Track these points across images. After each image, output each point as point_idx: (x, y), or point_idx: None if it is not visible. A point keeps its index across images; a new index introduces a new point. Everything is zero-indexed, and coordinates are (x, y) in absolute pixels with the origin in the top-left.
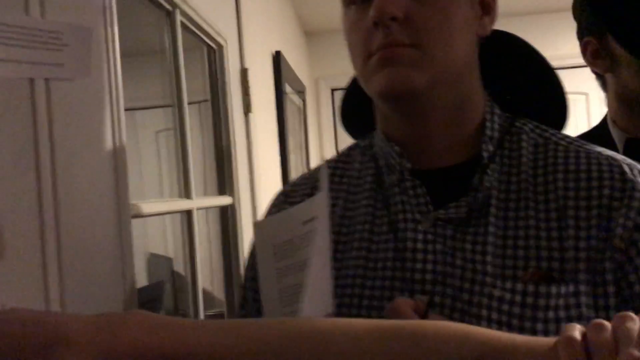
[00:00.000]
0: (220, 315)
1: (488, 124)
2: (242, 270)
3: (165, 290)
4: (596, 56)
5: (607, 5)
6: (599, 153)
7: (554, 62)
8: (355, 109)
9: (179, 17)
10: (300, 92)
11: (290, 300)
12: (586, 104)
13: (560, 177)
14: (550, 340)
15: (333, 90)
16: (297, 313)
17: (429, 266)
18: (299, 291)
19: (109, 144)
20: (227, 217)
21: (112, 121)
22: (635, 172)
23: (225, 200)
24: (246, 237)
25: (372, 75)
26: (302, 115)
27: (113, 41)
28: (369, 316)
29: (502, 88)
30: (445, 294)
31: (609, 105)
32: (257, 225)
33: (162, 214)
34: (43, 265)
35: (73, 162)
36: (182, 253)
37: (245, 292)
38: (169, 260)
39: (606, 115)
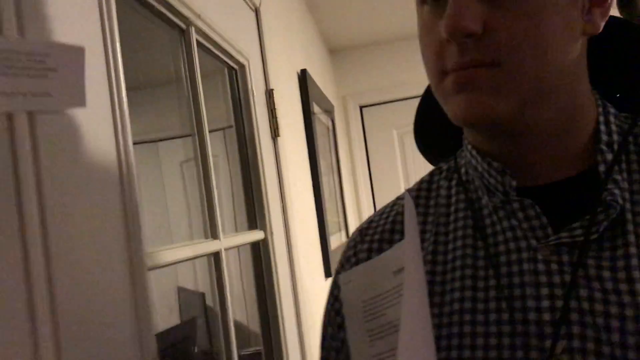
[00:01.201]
0: (257, 354)
1: (602, 128)
2: (279, 306)
3: (198, 327)
4: None
5: None
6: None
7: None
8: (431, 128)
9: (194, 35)
10: (329, 112)
11: None
12: None
13: None
14: None
15: (362, 107)
16: None
17: (559, 302)
18: (394, 356)
19: (115, 186)
20: (259, 253)
21: (119, 159)
22: None
23: (257, 235)
24: (281, 271)
25: (448, 99)
26: (331, 135)
27: (115, 62)
28: None
29: (612, 84)
30: (586, 335)
31: None
32: (344, 279)
33: (185, 260)
34: (35, 341)
35: (69, 215)
36: (212, 290)
37: (327, 353)
38: (200, 295)
39: None
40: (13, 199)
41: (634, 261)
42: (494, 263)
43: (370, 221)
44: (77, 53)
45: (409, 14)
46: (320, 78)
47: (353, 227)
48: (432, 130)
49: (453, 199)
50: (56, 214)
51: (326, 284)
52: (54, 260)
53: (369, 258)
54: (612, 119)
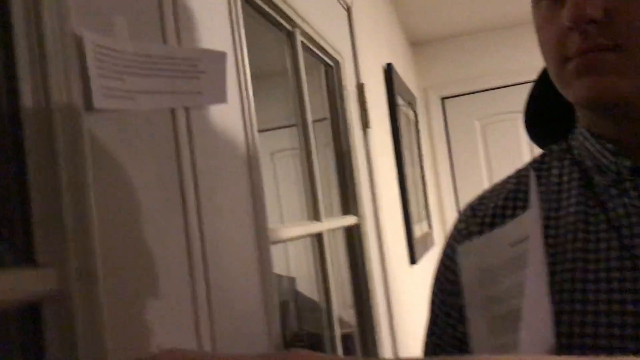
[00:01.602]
0: (349, 336)
1: None
2: (373, 286)
3: (290, 310)
4: None
5: None
6: None
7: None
8: (541, 113)
9: (299, 37)
10: (411, 104)
11: (502, 331)
12: None
13: None
14: None
15: (443, 99)
16: (513, 346)
17: None
18: (512, 320)
19: (245, 169)
20: (353, 237)
21: (247, 145)
22: None
23: (351, 220)
24: (372, 256)
25: (571, 82)
26: (414, 127)
27: (243, 64)
28: (595, 344)
29: None
30: None
31: None
32: (462, 251)
33: (297, 238)
34: (193, 301)
35: (215, 192)
36: (307, 273)
37: (436, 315)
38: (291, 280)
39: None
40: (177, 178)
41: None
42: (617, 232)
43: (482, 198)
44: (221, 57)
45: (490, 5)
46: (403, 70)
47: (435, 217)
48: (543, 115)
49: (565, 178)
50: (206, 194)
51: (411, 271)
52: (206, 231)
53: (481, 232)
54: None
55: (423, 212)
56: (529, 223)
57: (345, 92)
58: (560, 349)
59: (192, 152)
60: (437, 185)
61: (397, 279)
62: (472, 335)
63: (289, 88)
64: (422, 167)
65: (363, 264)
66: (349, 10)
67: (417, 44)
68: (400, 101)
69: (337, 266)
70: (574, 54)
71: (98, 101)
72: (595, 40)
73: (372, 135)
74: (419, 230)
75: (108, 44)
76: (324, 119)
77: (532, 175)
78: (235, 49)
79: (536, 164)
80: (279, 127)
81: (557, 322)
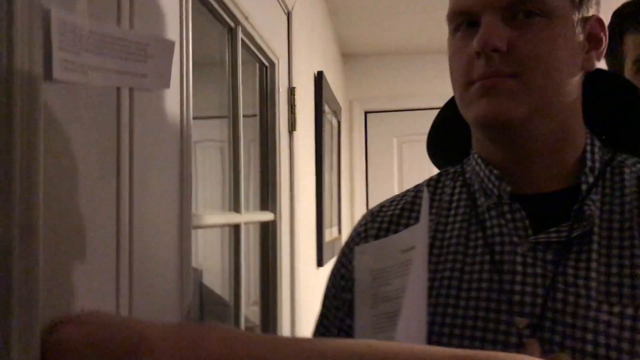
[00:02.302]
0: (251, 329)
1: (588, 155)
2: (280, 284)
3: (194, 303)
4: None
5: None
6: None
7: None
8: (444, 136)
9: (240, 34)
10: (336, 113)
11: (382, 327)
12: None
13: None
14: None
15: (366, 112)
16: (390, 340)
17: (528, 288)
18: (392, 318)
19: (178, 153)
20: (267, 233)
21: (182, 131)
22: None
23: (268, 216)
24: (284, 252)
25: (472, 103)
26: (336, 135)
27: (187, 53)
28: (462, 335)
29: (601, 125)
30: (545, 316)
31: None
32: (358, 251)
33: (216, 226)
34: (117, 269)
35: (147, 170)
36: (214, 266)
37: (327, 309)
38: (198, 272)
39: None
40: (114, 150)
41: (593, 264)
42: (490, 249)
43: (382, 206)
44: (169, 45)
45: (423, 31)
46: (333, 80)
47: (345, 224)
48: (444, 140)
49: (455, 197)
50: (139, 170)
51: (317, 273)
52: (135, 205)
53: (377, 236)
54: (597, 149)
55: (335, 218)
56: (417, 233)
57: (277, 94)
58: (431, 344)
59: (131, 130)
60: (351, 194)
61: (304, 279)
62: (356, 330)
63: (224, 80)
64: (339, 175)
65: (274, 261)
66: (289, 15)
67: (349, 56)
68: (326, 109)
69: (248, 261)
70: (478, 78)
71: (57, 72)
72: (497, 67)
73: (298, 138)
74: (329, 234)
75: (70, 20)
76: (254, 115)
77: (425, 191)
78: (182, 38)
79: (433, 182)
80: (209, 117)
81: (432, 323)
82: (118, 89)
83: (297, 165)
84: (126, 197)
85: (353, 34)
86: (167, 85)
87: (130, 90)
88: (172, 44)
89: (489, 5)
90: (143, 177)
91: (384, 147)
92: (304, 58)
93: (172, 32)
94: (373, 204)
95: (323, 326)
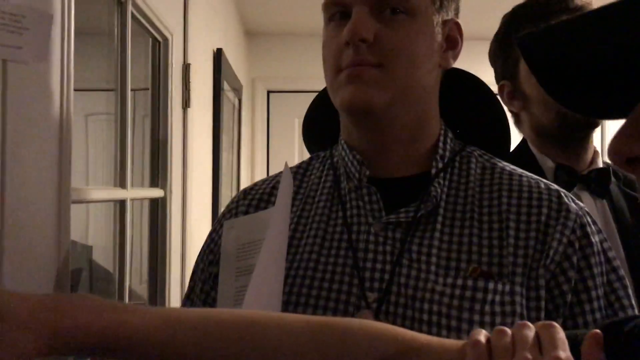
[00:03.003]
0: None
1: (441, 144)
2: (169, 262)
3: (82, 279)
4: (511, 97)
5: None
6: (539, 179)
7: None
8: (316, 123)
9: (130, 8)
10: (237, 91)
11: (242, 299)
12: None
13: (505, 195)
14: (460, 342)
15: (269, 92)
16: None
17: (378, 265)
18: None
19: (56, 126)
20: (157, 210)
21: (61, 104)
22: (569, 198)
23: (157, 192)
24: (174, 231)
25: (339, 89)
26: (237, 113)
27: (69, 26)
28: (316, 306)
29: (456, 120)
30: (391, 290)
31: (527, 136)
32: (227, 225)
33: (99, 201)
34: None
35: (22, 142)
36: (105, 243)
37: (194, 283)
38: (87, 248)
39: (525, 140)
40: None
41: (435, 241)
42: (349, 229)
43: (254, 185)
44: (47, 17)
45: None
46: (234, 57)
47: None
48: (317, 127)
49: (322, 179)
50: (12, 143)
51: None
52: (7, 179)
53: (247, 212)
54: (448, 140)
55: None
56: (279, 209)
57: (170, 70)
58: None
59: (3, 102)
60: (252, 173)
61: (196, 257)
62: (218, 301)
63: (113, 53)
64: (239, 154)
65: (163, 239)
66: None
67: (252, 34)
68: (226, 87)
69: (139, 239)
70: (346, 66)
71: None
72: (364, 56)
73: (192, 115)
74: None
75: None
76: (146, 89)
77: (287, 172)
78: (63, 9)
79: (304, 164)
80: (98, 90)
81: (289, 293)
82: None
83: (191, 142)
84: None
85: (257, 12)
86: (44, 58)
87: (4, 61)
88: (50, 16)
89: None
90: (17, 151)
91: (286, 127)
92: (201, 34)
93: (52, 1)
94: None
95: (189, 300)
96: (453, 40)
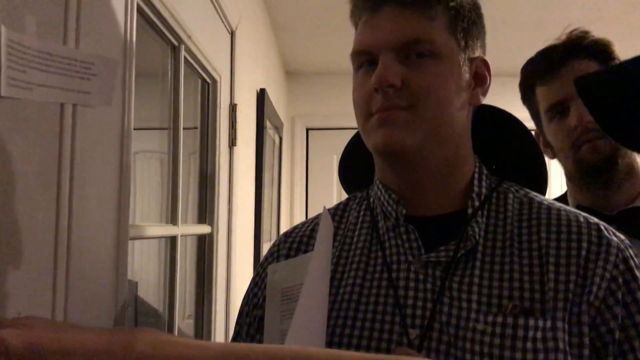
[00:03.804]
0: None
1: (476, 182)
2: (215, 298)
3: (128, 314)
4: (545, 145)
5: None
6: (578, 213)
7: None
8: (352, 164)
9: (182, 52)
10: (278, 129)
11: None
12: None
13: (544, 230)
14: None
15: (308, 129)
16: None
17: (419, 302)
18: None
19: (117, 165)
20: (204, 246)
21: (122, 144)
22: (610, 232)
23: (205, 229)
24: (220, 266)
25: (371, 133)
26: (277, 151)
27: (130, 69)
28: (359, 345)
29: (491, 156)
30: (433, 328)
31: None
32: (270, 269)
33: (153, 237)
34: (54, 276)
35: (88, 181)
36: (150, 278)
37: (240, 327)
38: (133, 284)
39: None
40: (56, 161)
41: (476, 279)
42: (388, 268)
43: (294, 228)
44: (114, 64)
45: None
46: (275, 96)
47: None
48: (353, 168)
49: (360, 219)
50: (79, 182)
51: None
52: (74, 216)
53: (288, 256)
54: (484, 177)
55: (275, 233)
56: (320, 252)
57: (218, 110)
58: None
59: (73, 142)
60: (291, 209)
61: (240, 293)
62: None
63: (166, 94)
64: (279, 190)
65: (210, 274)
66: (232, 34)
67: (292, 74)
68: (268, 125)
69: (184, 274)
70: (377, 111)
71: (4, 90)
72: (393, 100)
73: (238, 153)
74: (267, 249)
75: (18, 40)
76: (195, 127)
77: (326, 214)
78: (125, 54)
79: (342, 206)
80: (150, 129)
81: (331, 334)
82: (62, 105)
83: (236, 179)
84: (65, 206)
85: (296, 52)
86: (109, 102)
87: (74, 106)
88: (117, 63)
89: (385, 47)
90: (83, 188)
91: (325, 163)
92: (246, 75)
93: (116, 49)
94: None
95: (236, 342)
96: (481, 77)
